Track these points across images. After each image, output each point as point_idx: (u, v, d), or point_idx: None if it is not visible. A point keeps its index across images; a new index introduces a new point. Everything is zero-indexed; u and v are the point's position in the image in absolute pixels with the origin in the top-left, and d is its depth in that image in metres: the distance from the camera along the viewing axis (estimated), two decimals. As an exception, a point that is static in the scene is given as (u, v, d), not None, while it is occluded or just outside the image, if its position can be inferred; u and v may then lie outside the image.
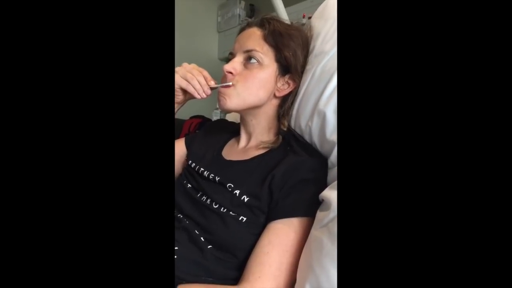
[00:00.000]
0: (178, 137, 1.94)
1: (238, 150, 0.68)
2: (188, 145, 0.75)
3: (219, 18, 2.21)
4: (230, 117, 0.99)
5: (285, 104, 0.65)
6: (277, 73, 0.62)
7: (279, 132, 0.65)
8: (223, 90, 0.61)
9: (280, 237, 0.51)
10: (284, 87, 0.64)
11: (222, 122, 0.86)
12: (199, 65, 0.63)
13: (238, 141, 0.70)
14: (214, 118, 1.74)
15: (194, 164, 0.67)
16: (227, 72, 0.61)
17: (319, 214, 0.50)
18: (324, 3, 0.73)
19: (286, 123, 0.65)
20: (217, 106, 1.76)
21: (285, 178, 0.54)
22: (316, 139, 0.61)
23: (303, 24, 0.70)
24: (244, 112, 0.65)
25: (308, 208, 0.52)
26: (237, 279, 0.52)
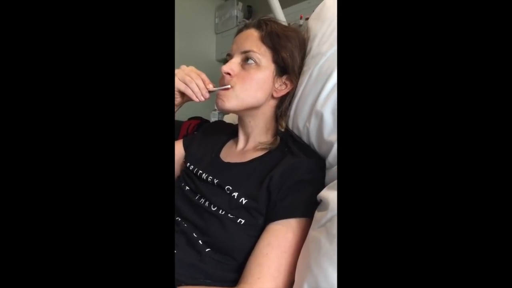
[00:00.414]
0: (176, 139, 1.93)
1: (236, 152, 0.68)
2: (186, 146, 0.76)
3: (216, 19, 2.22)
4: (228, 118, 0.99)
5: (283, 104, 0.65)
6: (274, 74, 0.62)
7: (277, 133, 0.66)
8: (221, 91, 0.61)
9: (279, 239, 0.51)
10: (282, 88, 0.64)
11: (220, 123, 0.86)
12: (197, 66, 0.64)
13: (236, 142, 0.70)
14: (212, 119, 1.74)
15: (192, 166, 0.67)
16: (225, 73, 0.61)
17: (317, 214, 0.50)
18: (321, 4, 0.73)
19: (283, 124, 0.66)
20: (215, 108, 1.76)
21: (283, 179, 0.54)
22: (314, 140, 0.61)
23: (300, 25, 0.71)
24: (242, 113, 0.65)
25: (306, 209, 0.52)
26: (235, 281, 0.52)
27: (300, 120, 0.63)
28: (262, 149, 0.64)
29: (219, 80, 0.63)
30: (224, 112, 0.64)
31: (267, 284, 0.48)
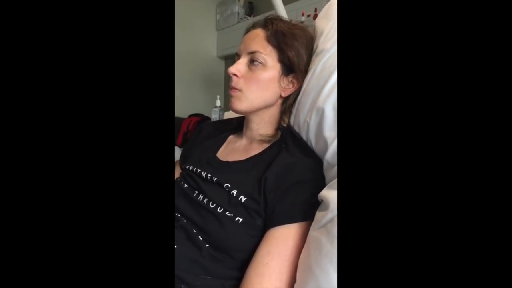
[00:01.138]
0: (177, 136, 1.92)
1: (238, 149, 0.68)
2: (183, 164, 0.75)
3: (218, 16, 2.21)
4: (228, 115, 0.98)
5: (288, 101, 0.65)
6: (280, 73, 0.62)
7: (279, 127, 0.66)
8: (233, 93, 0.62)
9: (279, 247, 0.50)
10: (289, 87, 0.64)
11: (217, 123, 0.85)
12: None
13: (238, 138, 0.70)
14: (213, 116, 1.73)
15: (191, 167, 0.66)
16: (231, 74, 0.62)
17: (318, 215, 0.49)
18: (329, 3, 0.72)
19: (286, 120, 0.66)
20: (216, 104, 1.76)
21: (278, 180, 0.54)
22: (312, 136, 0.61)
23: (302, 22, 0.70)
24: (252, 114, 0.66)
25: (306, 212, 0.51)
26: (237, 279, 0.52)
27: (302, 115, 0.63)
28: (262, 141, 0.64)
29: (230, 81, 0.64)
30: (237, 113, 0.65)
31: None
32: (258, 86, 0.61)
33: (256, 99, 0.61)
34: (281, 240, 0.50)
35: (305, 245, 0.49)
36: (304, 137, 0.63)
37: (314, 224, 0.49)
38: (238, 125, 0.74)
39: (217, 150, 0.69)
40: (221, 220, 0.54)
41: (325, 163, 0.56)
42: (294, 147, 0.60)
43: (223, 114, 1.65)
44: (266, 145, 0.64)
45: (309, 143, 0.62)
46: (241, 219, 0.53)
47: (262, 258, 0.50)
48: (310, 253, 0.45)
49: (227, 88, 0.64)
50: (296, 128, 0.65)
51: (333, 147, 0.54)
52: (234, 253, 0.53)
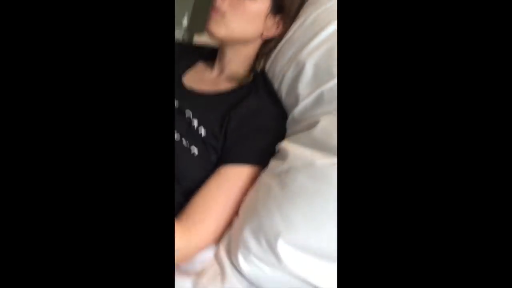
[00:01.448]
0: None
1: (206, 79, 0.65)
2: None
3: None
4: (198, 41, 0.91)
5: (267, 46, 0.62)
6: (269, 9, 0.58)
7: (252, 70, 0.64)
8: (213, 15, 0.57)
9: (229, 183, 0.51)
10: (273, 28, 0.61)
11: (185, 47, 0.78)
12: None
13: (207, 68, 0.67)
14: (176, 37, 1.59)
15: None
16: None
17: (273, 163, 0.51)
18: None
19: (262, 64, 0.63)
20: (183, 23, 1.60)
21: (242, 122, 0.54)
22: (284, 88, 0.60)
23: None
24: (226, 44, 0.62)
25: (261, 157, 0.53)
26: (180, 204, 0.53)
27: (279, 65, 0.61)
28: (232, 79, 0.62)
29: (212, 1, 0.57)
30: (213, 37, 0.60)
31: (209, 225, 0.49)
32: (243, 16, 0.57)
33: (236, 29, 0.58)
34: (232, 178, 0.52)
35: (254, 188, 0.51)
36: (276, 86, 0.62)
37: (267, 171, 0.51)
38: (209, 55, 0.69)
39: (183, 73, 0.65)
40: (175, 148, 0.53)
41: (290, 117, 0.57)
42: (264, 92, 0.59)
43: (188, 35, 1.52)
44: (235, 84, 0.62)
45: (278, 94, 0.62)
46: (196, 152, 0.53)
47: (210, 191, 0.51)
48: (258, 195, 0.48)
49: (198, 4, 0.58)
50: (270, 75, 0.64)
51: (303, 104, 0.54)
52: (182, 181, 0.54)
